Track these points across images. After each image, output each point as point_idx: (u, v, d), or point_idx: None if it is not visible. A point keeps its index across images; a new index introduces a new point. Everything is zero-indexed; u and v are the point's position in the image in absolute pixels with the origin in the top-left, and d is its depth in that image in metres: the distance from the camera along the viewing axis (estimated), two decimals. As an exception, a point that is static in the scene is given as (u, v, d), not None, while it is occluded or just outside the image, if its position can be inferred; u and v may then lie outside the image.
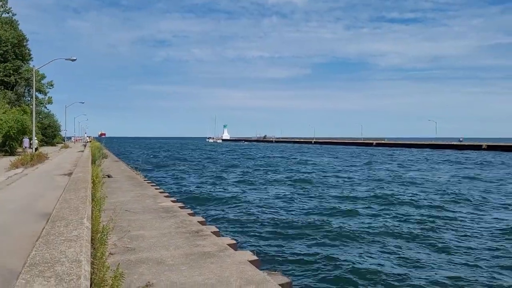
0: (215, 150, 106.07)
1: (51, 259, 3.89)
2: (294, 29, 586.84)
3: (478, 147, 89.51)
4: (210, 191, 25.82)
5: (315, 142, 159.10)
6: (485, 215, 18.30)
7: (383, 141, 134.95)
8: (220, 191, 26.10)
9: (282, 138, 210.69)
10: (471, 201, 21.98)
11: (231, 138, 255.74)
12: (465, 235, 14.46)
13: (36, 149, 39.51)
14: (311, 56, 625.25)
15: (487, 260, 11.68)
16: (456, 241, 13.74)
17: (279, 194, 24.45)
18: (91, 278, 4.28)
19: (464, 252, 12.40)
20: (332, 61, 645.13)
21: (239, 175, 37.02)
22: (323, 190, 26.35)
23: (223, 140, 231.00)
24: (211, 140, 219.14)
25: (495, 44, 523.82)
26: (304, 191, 25.90)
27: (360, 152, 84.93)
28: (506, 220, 17.02)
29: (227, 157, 68.57)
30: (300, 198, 22.94)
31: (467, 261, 11.55)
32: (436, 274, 10.49)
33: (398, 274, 10.41)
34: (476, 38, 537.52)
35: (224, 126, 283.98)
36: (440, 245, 13.17)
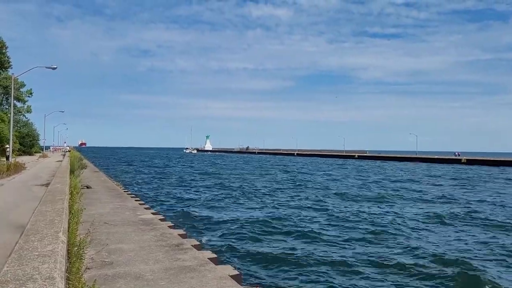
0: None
1: (23, 276, 3.74)
2: (278, 42, 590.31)
3: (458, 161, 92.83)
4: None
5: (298, 154, 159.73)
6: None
7: (365, 154, 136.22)
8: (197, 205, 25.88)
9: (265, 149, 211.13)
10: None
11: (213, 149, 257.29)
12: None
13: (7, 157, 38.56)
14: (294, 68, 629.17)
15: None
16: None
17: (257, 208, 24.33)
18: (65, 295, 4.13)
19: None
20: (314, 73, 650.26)
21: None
22: (307, 203, 26.36)
23: (198, 150, 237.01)
24: (187, 151, 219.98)
25: (472, 60, 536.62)
26: (287, 205, 25.85)
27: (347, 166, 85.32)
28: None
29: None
30: (283, 212, 22.86)
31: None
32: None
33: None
34: (455, 54, 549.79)
35: (207, 137, 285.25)
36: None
